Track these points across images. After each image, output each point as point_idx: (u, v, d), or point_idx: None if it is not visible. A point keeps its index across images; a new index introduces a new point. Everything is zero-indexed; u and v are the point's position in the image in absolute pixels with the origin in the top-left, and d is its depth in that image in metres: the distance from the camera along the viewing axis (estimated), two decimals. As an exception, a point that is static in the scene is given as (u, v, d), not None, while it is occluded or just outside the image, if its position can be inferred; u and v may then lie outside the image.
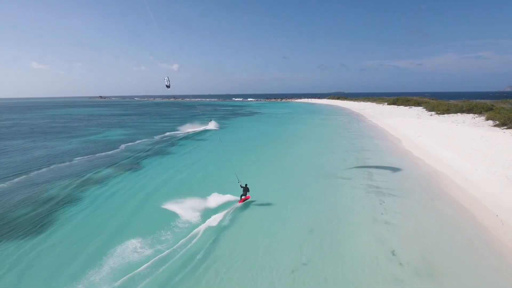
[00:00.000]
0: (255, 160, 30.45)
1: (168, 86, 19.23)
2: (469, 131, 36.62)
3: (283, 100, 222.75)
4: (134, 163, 28.97)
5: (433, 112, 62.65)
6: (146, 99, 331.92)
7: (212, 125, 63.39)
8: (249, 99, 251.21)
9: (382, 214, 16.39)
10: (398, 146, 35.34)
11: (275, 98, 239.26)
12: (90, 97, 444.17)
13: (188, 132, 52.25)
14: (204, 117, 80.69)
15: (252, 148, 37.72)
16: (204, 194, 19.62)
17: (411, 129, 44.96)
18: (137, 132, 52.32)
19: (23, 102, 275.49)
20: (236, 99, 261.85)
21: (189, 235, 14.46)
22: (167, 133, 50.34)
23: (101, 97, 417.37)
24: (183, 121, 73.53)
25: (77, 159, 30.32)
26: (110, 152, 33.77)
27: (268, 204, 18.57)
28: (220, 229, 15.17)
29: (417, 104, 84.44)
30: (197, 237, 14.26)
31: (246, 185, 19.23)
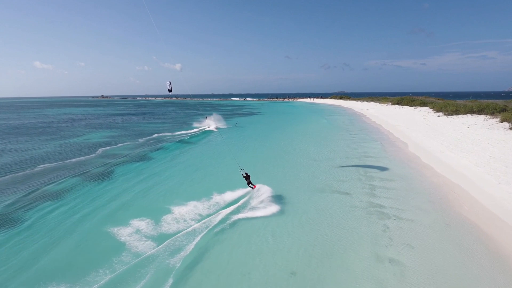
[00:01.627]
0: (246, 164, 26.87)
1: (170, 90, 19.66)
2: (483, 135, 32.79)
3: (285, 100, 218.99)
4: (103, 172, 25.48)
5: (440, 113, 58.69)
6: (147, 98, 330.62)
7: (207, 124, 61.17)
8: (248, 99, 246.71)
9: (386, 247, 12.74)
10: (405, 151, 31.59)
11: (276, 98, 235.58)
12: (93, 97, 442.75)
13: (178, 134, 48.82)
14: (201, 118, 77.72)
15: (245, 151, 34.11)
16: (167, 211, 16.42)
17: (418, 132, 41.19)
18: (123, 134, 48.93)
19: (24, 102, 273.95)
20: (235, 99, 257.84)
21: (129, 275, 10.96)
22: (155, 135, 46.86)
23: (103, 96, 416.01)
24: (177, 122, 70.37)
25: (41, 167, 26.87)
26: (82, 158, 30.32)
27: (246, 229, 15.02)
28: (172, 266, 11.59)
29: (423, 104, 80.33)
30: (141, 283, 10.72)
31: (246, 173, 19.49)
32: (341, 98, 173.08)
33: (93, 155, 31.92)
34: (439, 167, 24.29)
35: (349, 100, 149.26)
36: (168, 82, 19.44)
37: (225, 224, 15.29)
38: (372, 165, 26.26)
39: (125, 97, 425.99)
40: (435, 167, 24.58)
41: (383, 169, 24.86)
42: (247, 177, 19.41)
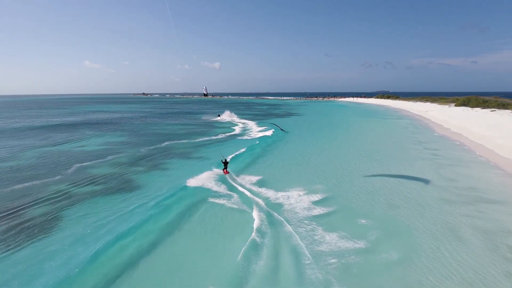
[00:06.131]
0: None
1: (205, 95, 23.82)
2: None
3: (325, 99, 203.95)
4: (40, 217, 15.55)
5: (539, 119, 43.72)
6: (185, 96, 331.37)
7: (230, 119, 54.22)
8: (284, 98, 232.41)
9: None
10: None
11: (316, 97, 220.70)
12: (135, 94, 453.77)
13: (196, 143, 38.57)
14: (227, 121, 68.46)
15: (263, 183, 22.72)
16: None
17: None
18: (126, 141, 39.71)
19: (68, 98, 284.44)
20: (269, 97, 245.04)
21: None
22: (166, 143, 37.26)
23: (144, 94, 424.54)
24: (202, 124, 60.76)
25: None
26: (36, 183, 20.82)
27: None
28: None
29: (502, 106, 64.17)
30: None
31: (226, 159, 22.38)
32: (388, 97, 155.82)
33: (58, 177, 22.45)
34: None
35: (398, 100, 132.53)
36: (204, 87, 23.73)
37: None
38: (507, 226, 14.02)
39: (163, 94, 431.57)
40: None
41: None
42: (225, 163, 21.93)
